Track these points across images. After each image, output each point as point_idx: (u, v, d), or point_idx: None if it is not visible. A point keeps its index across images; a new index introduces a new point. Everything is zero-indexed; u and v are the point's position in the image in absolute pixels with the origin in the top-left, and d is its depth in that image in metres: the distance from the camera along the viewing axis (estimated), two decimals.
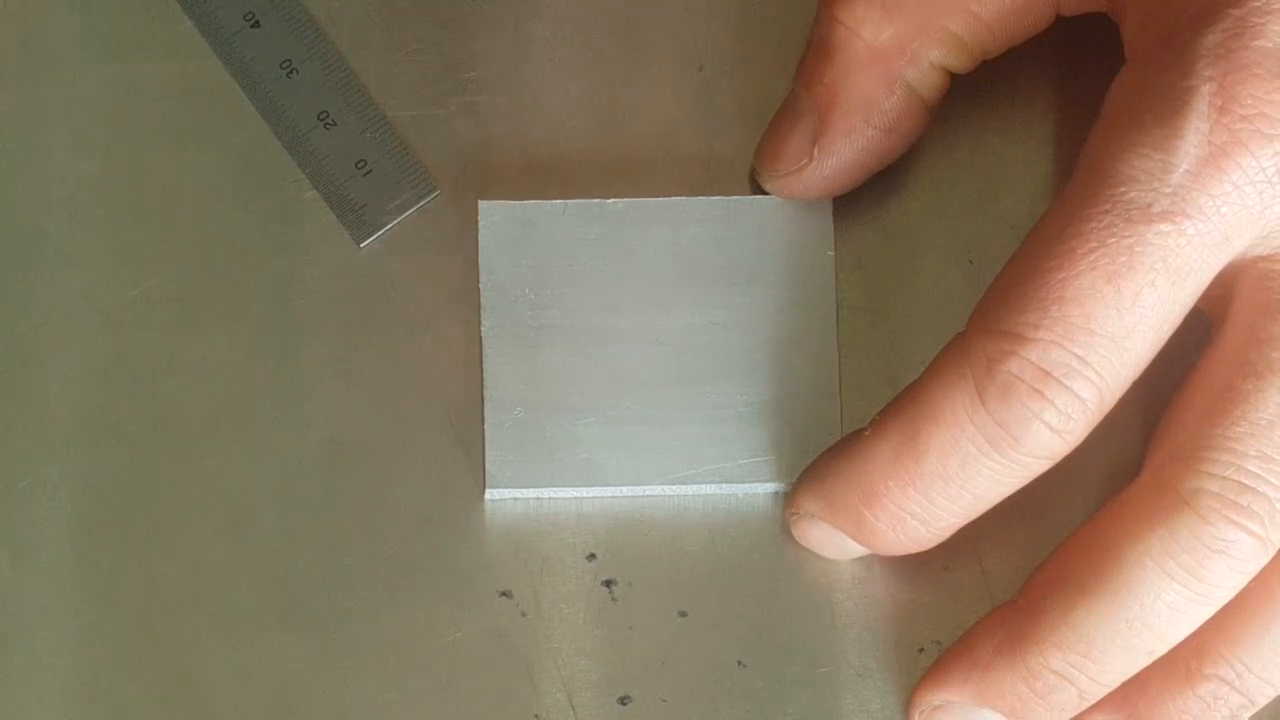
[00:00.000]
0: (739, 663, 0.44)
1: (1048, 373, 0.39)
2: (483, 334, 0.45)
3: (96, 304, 0.45)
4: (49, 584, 0.44)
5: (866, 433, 0.42)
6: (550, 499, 0.44)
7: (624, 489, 0.44)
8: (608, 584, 0.44)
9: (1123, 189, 0.39)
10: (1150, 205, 0.39)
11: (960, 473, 0.40)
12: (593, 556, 0.44)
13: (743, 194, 0.46)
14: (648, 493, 0.44)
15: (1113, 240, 0.39)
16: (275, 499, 0.44)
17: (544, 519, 0.45)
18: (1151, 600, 0.40)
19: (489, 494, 0.44)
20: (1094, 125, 0.41)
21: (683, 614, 0.44)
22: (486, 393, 0.45)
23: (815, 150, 0.44)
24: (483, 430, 0.44)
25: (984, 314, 0.40)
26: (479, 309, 0.45)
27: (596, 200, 0.45)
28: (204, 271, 0.46)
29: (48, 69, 0.47)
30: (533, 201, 0.45)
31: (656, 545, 0.44)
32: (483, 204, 0.45)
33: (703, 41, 0.47)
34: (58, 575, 0.44)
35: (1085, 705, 0.41)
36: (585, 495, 0.44)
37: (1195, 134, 0.39)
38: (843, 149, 0.44)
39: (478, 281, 0.45)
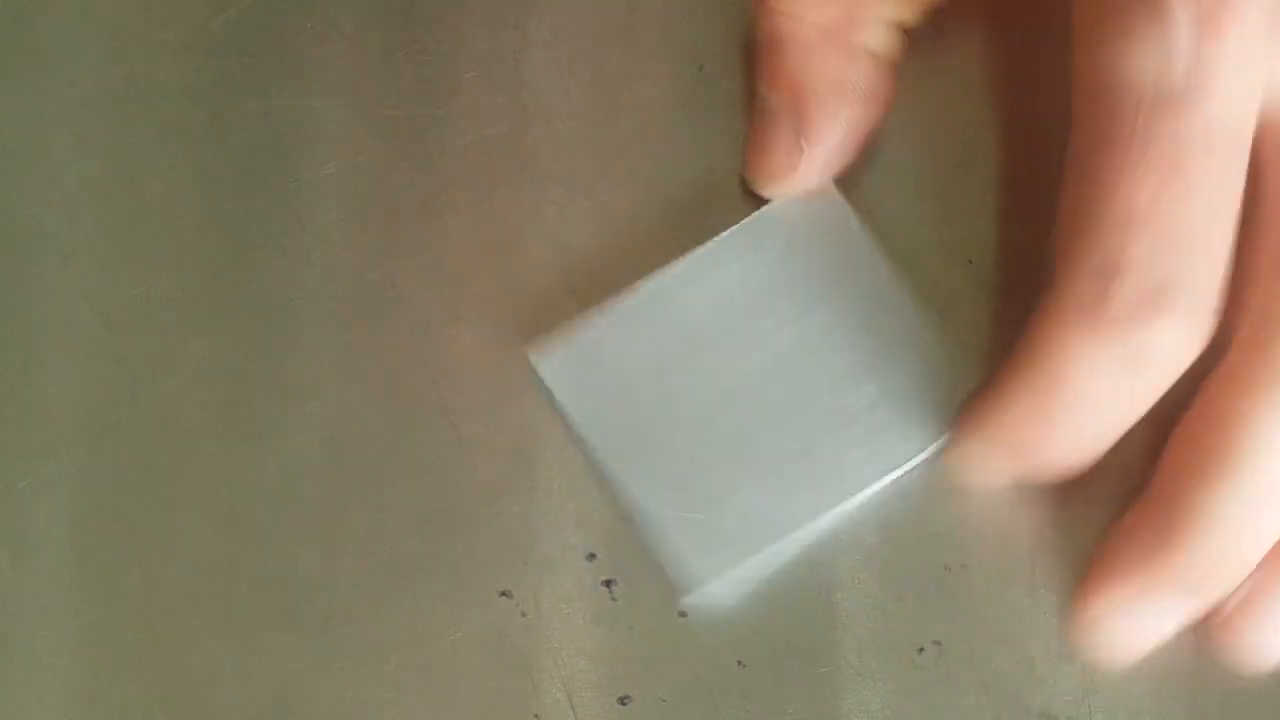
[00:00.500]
0: (739, 663, 0.44)
1: (1157, 290, 0.40)
2: (601, 460, 0.44)
3: (96, 304, 0.45)
4: (49, 584, 0.44)
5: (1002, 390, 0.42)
6: (546, 500, 0.44)
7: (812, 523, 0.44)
8: (608, 584, 0.44)
9: (1136, 93, 0.39)
10: (1170, 95, 0.39)
11: (1102, 405, 0.41)
12: (593, 556, 0.44)
13: (740, 197, 0.46)
14: (833, 515, 0.44)
15: (1153, 146, 0.39)
16: (275, 499, 0.44)
17: (544, 519, 0.45)
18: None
19: (687, 599, 0.44)
20: (1074, 50, 0.41)
21: (683, 614, 0.44)
22: (641, 506, 0.44)
23: (803, 143, 0.44)
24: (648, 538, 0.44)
25: (1066, 259, 0.41)
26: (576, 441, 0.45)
27: (628, 292, 0.45)
28: (204, 271, 0.46)
29: (48, 69, 0.47)
30: (579, 333, 0.45)
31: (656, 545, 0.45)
32: (533, 356, 0.45)
33: (703, 41, 0.47)
34: (58, 575, 0.44)
35: (1248, 570, 0.42)
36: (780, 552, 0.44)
37: (1181, 6, 0.39)
38: (829, 132, 0.44)
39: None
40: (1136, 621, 0.43)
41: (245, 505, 0.44)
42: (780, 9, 0.44)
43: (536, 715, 0.43)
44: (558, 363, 0.45)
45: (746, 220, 0.45)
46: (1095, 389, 0.41)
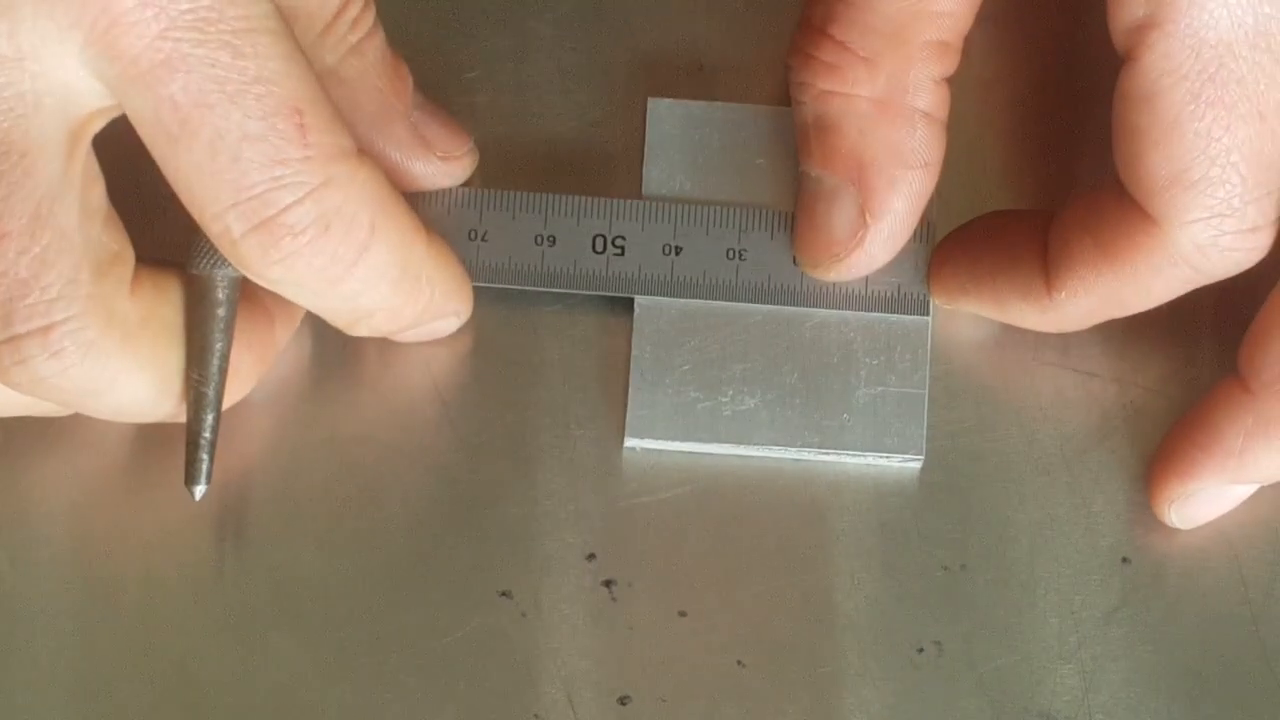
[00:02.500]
0: (739, 663, 0.44)
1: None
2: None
3: None
4: (49, 584, 0.44)
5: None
6: (546, 500, 0.45)
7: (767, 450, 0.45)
8: (608, 584, 0.44)
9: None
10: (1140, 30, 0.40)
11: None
12: (593, 556, 0.44)
13: None
14: (789, 455, 0.45)
15: (1163, 88, 0.40)
16: (274, 498, 0.44)
17: (544, 519, 0.45)
18: None
19: (628, 443, 0.45)
20: None
21: (683, 614, 0.44)
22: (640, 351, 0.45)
23: (867, 217, 0.44)
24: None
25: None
26: None
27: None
28: None
29: None
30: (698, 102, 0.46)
31: (656, 545, 0.44)
32: (651, 100, 0.46)
33: (703, 42, 0.47)
34: (58, 575, 0.44)
35: None
36: (725, 453, 0.45)
37: None
38: (894, 203, 0.43)
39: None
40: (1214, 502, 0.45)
41: (245, 505, 0.44)
42: (831, 89, 0.43)
43: (536, 715, 0.43)
44: (666, 109, 0.46)
45: None
46: None
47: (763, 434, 0.45)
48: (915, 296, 0.45)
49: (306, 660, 0.43)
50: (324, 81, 0.39)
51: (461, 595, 0.44)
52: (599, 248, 0.45)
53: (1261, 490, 0.45)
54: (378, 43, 0.43)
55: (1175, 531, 0.45)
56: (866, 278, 0.45)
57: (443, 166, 0.45)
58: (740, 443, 0.45)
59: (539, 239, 0.45)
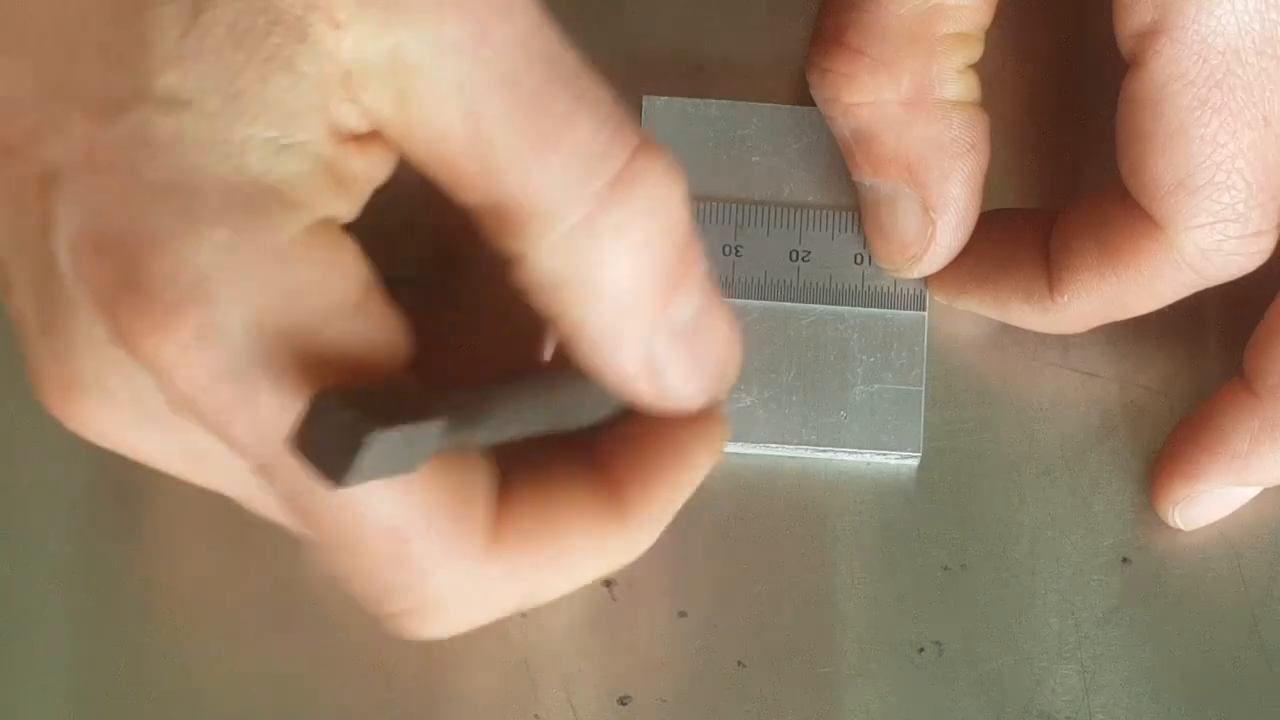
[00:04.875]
0: (739, 663, 0.44)
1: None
2: None
3: None
4: (49, 584, 0.44)
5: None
6: None
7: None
8: (608, 584, 0.44)
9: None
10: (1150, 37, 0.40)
11: None
12: None
13: None
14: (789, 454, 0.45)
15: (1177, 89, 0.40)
16: None
17: None
18: None
19: None
20: None
21: (683, 614, 0.44)
22: None
23: (931, 214, 0.43)
24: None
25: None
26: None
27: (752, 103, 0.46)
28: None
29: None
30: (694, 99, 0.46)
31: (656, 545, 0.44)
32: (646, 99, 0.46)
33: (703, 44, 0.47)
34: (58, 575, 0.44)
35: None
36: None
37: None
38: (952, 191, 0.43)
39: None
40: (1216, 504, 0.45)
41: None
42: (857, 100, 0.43)
43: (536, 715, 0.43)
44: (662, 107, 0.46)
45: None
46: None
47: (759, 432, 0.45)
48: (911, 291, 0.45)
49: (306, 660, 0.43)
50: (557, 289, 0.36)
51: None
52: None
53: (1263, 491, 0.45)
54: (641, 260, 0.36)
55: (1176, 532, 0.45)
56: (863, 272, 0.45)
57: (666, 404, 0.38)
58: (737, 441, 0.45)
59: None
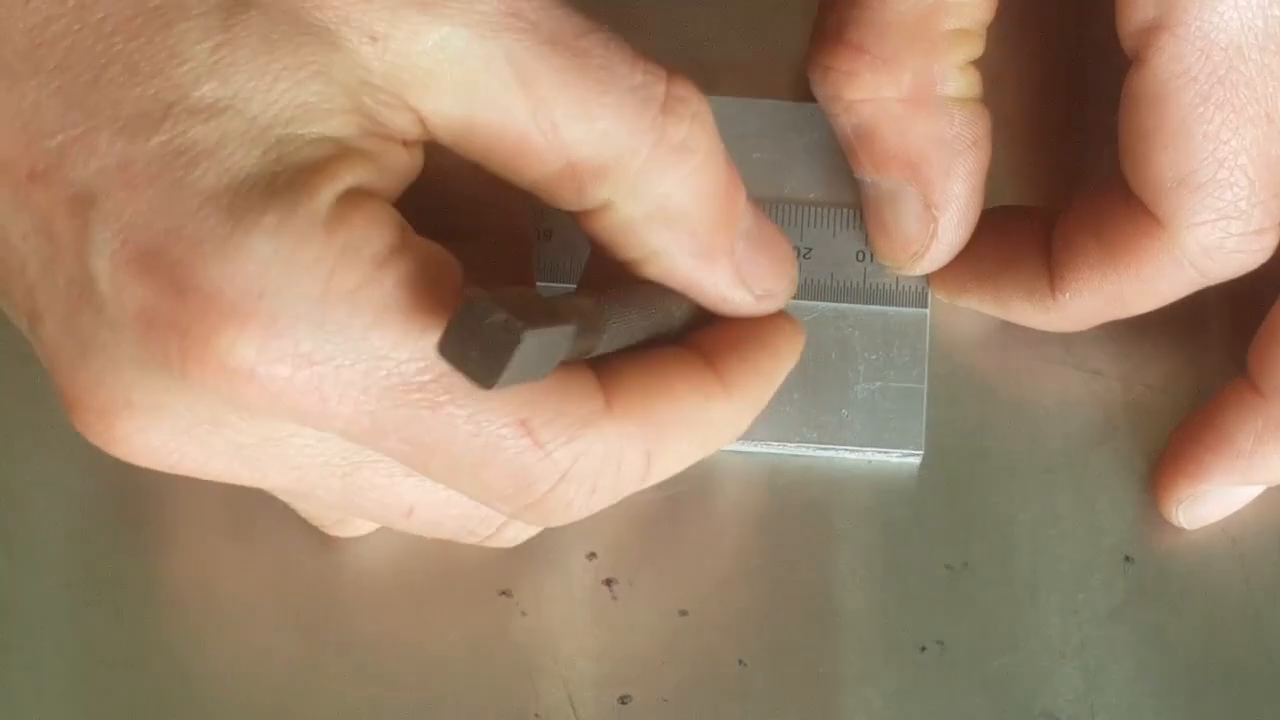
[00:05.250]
0: (739, 662, 0.44)
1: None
2: None
3: None
4: (49, 584, 0.44)
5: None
6: None
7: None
8: (608, 583, 0.44)
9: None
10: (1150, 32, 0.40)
11: None
12: (593, 556, 0.44)
13: None
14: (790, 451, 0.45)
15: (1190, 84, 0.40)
16: (274, 499, 0.44)
17: None
18: None
19: None
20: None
21: (683, 613, 0.44)
22: None
23: (933, 210, 0.43)
24: None
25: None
26: None
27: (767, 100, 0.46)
28: None
29: None
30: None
31: (656, 545, 0.44)
32: None
33: (702, 42, 0.47)
34: (58, 575, 0.44)
35: None
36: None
37: None
38: (954, 188, 0.43)
39: None
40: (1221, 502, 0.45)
41: (245, 505, 0.44)
42: (858, 97, 0.42)
43: (536, 715, 0.43)
44: None
45: None
46: None
47: (761, 430, 0.44)
48: (913, 289, 0.45)
49: (306, 660, 0.44)
50: (645, 224, 0.38)
51: (461, 595, 0.44)
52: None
53: (1266, 489, 0.44)
54: (709, 171, 0.39)
55: (1179, 530, 0.45)
56: (865, 269, 0.45)
57: (755, 305, 0.41)
58: (738, 439, 0.44)
59: (538, 233, 0.45)
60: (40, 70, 0.34)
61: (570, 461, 0.37)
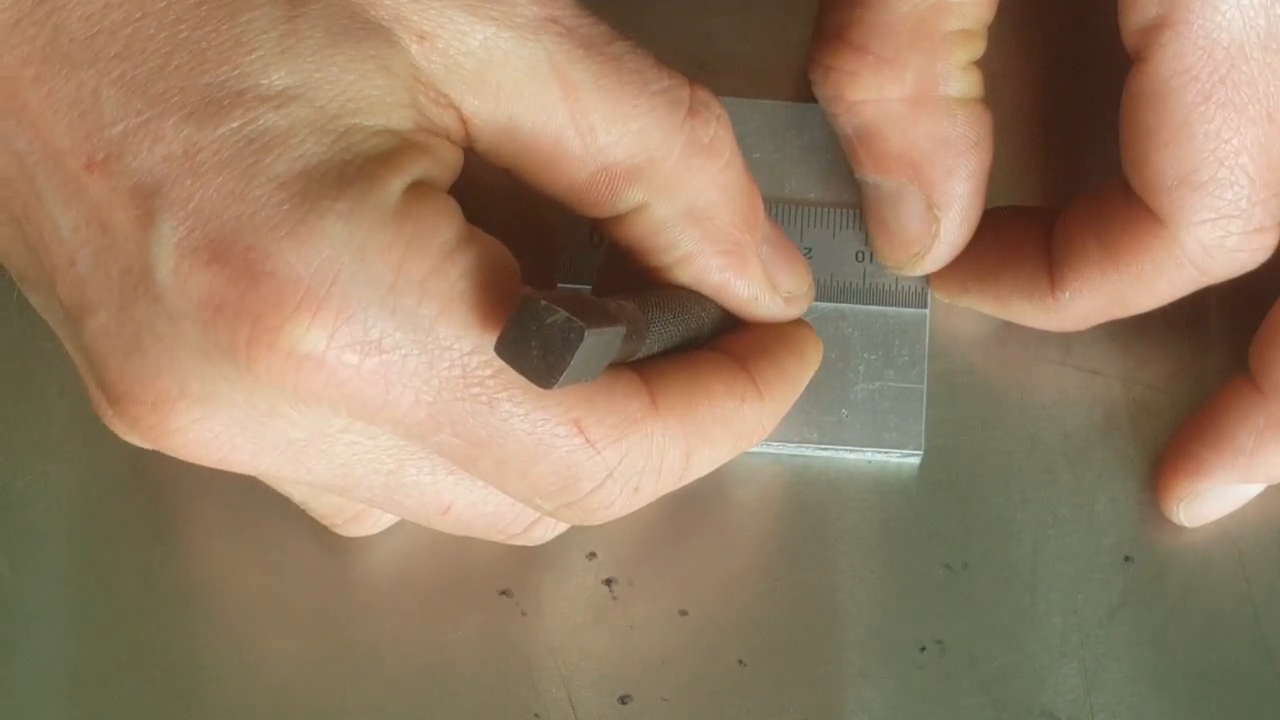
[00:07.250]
0: (739, 662, 0.44)
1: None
2: None
3: None
4: (49, 584, 0.44)
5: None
6: None
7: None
8: (608, 583, 0.44)
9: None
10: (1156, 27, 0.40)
11: None
12: (593, 555, 0.44)
13: None
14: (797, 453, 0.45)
15: (1201, 83, 0.40)
16: (274, 499, 0.44)
17: None
18: None
19: None
20: None
21: (683, 613, 0.44)
22: None
23: (935, 211, 0.43)
24: None
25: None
26: None
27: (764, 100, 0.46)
28: None
29: None
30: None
31: (656, 545, 0.44)
32: None
33: (703, 41, 0.47)
34: (58, 575, 0.44)
35: None
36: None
37: None
38: (956, 189, 0.43)
39: None
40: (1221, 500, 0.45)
41: (245, 505, 0.44)
42: (861, 98, 0.42)
43: (536, 715, 0.43)
44: None
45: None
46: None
47: None
48: (913, 289, 0.45)
49: (306, 660, 0.43)
50: (679, 224, 0.39)
51: (461, 595, 0.44)
52: (596, 241, 0.45)
53: (1266, 488, 0.44)
54: (735, 171, 0.40)
55: (1178, 530, 0.45)
56: (865, 269, 0.45)
57: (784, 307, 0.43)
58: None
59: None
60: (100, 58, 0.34)
61: (618, 460, 0.37)
